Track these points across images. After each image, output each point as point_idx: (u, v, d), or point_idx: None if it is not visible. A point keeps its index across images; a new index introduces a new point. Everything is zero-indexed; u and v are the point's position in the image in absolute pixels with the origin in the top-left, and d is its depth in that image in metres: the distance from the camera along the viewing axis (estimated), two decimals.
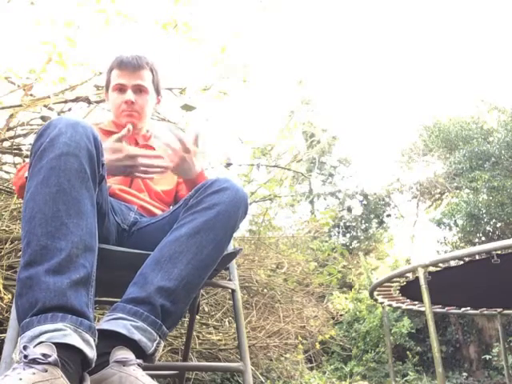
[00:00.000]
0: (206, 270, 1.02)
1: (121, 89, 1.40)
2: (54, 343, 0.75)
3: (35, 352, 0.72)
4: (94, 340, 0.82)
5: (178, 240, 1.00)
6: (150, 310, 0.92)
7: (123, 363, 0.82)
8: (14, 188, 1.24)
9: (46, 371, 0.70)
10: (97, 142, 0.95)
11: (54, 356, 0.72)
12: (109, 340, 0.88)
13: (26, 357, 0.72)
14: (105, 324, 0.90)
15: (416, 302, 3.95)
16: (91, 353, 0.80)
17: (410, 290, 3.31)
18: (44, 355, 0.71)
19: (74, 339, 0.77)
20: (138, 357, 0.87)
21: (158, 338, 0.92)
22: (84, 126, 0.94)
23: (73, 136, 0.91)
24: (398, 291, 3.53)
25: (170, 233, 1.03)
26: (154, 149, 1.48)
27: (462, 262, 2.67)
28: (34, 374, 0.69)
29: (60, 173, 0.88)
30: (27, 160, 1.33)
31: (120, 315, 0.91)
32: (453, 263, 2.72)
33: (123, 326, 0.89)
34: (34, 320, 0.78)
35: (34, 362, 0.71)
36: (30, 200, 0.88)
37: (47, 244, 0.83)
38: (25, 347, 0.73)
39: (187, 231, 1.00)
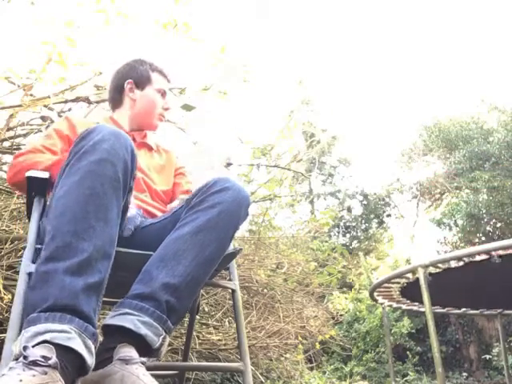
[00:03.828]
0: (209, 268, 1.03)
1: (163, 94, 1.50)
2: (56, 344, 0.76)
3: (35, 354, 0.72)
4: (95, 347, 0.83)
5: (182, 238, 1.01)
6: (156, 306, 0.93)
7: (126, 361, 0.83)
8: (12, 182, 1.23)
9: (46, 374, 0.71)
10: (133, 155, 0.99)
11: (54, 359, 0.73)
12: (115, 335, 0.89)
13: (25, 358, 0.72)
14: (111, 319, 0.91)
15: (416, 303, 3.95)
16: (90, 360, 0.80)
17: (411, 292, 3.30)
18: (44, 357, 0.72)
19: (77, 344, 0.78)
20: (144, 352, 0.88)
21: (164, 333, 0.93)
22: (125, 137, 0.97)
23: (114, 144, 0.94)
24: (398, 292, 3.52)
25: (174, 231, 1.04)
26: (150, 146, 1.50)
27: (462, 263, 2.67)
28: (33, 376, 0.70)
29: (96, 177, 0.90)
30: None
31: (126, 310, 0.92)
32: (453, 264, 2.72)
33: (130, 321, 0.90)
34: (41, 316, 0.79)
35: (34, 363, 0.71)
36: (62, 197, 0.90)
37: (71, 242, 0.85)
38: (25, 348, 0.73)
39: (190, 230, 1.02)
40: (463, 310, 4.15)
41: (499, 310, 4.20)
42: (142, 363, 0.84)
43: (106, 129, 0.96)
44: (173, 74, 1.58)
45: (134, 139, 1.46)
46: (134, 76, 1.48)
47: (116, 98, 1.50)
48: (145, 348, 0.90)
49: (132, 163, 0.98)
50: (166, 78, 1.53)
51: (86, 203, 0.88)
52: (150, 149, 1.50)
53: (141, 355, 0.87)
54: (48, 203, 1.15)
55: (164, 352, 0.96)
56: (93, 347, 0.81)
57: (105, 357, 0.86)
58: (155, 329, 0.91)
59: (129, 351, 0.85)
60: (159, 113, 1.49)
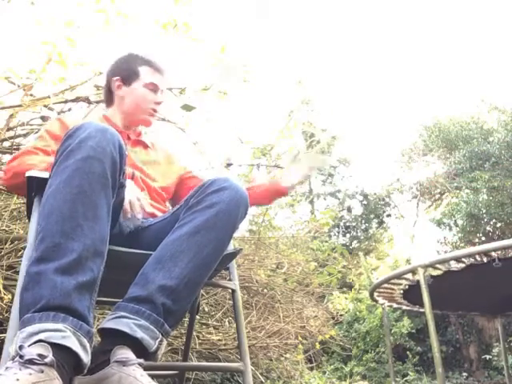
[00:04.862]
0: (207, 269, 1.02)
1: (153, 89, 1.43)
2: (51, 343, 0.75)
3: (31, 352, 0.72)
4: (91, 345, 0.82)
5: (179, 239, 1.00)
6: (152, 309, 0.92)
7: (123, 363, 0.82)
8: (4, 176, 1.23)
9: (42, 372, 0.71)
10: (122, 150, 0.97)
11: (50, 357, 0.73)
12: (111, 338, 0.89)
13: (21, 357, 0.72)
14: (107, 323, 0.91)
15: (417, 306, 3.94)
16: (86, 358, 0.80)
17: (411, 295, 3.29)
18: (40, 356, 0.72)
19: (71, 342, 0.78)
20: (140, 355, 0.88)
21: (161, 336, 0.93)
22: (112, 133, 0.96)
23: (101, 141, 0.93)
24: (400, 295, 3.51)
25: (172, 232, 1.04)
26: (145, 144, 1.49)
27: (462, 266, 2.66)
28: (30, 374, 0.70)
29: (83, 175, 0.90)
30: None
31: (122, 314, 0.91)
32: (453, 266, 2.71)
33: (126, 324, 0.89)
34: (35, 316, 0.78)
35: (31, 362, 0.71)
36: (50, 197, 0.89)
37: (60, 242, 0.84)
38: (20, 347, 0.73)
39: (188, 230, 1.01)
40: (463, 312, 4.14)
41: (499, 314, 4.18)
42: (140, 364, 0.84)
43: (93, 126, 0.95)
44: (170, 73, 1.54)
45: (128, 137, 1.45)
46: (121, 72, 1.44)
47: (107, 96, 1.48)
48: (141, 351, 0.89)
49: (121, 159, 0.97)
50: (157, 70, 1.45)
51: (74, 202, 0.88)
52: (146, 146, 1.49)
53: (138, 358, 0.86)
54: None
55: (161, 355, 0.95)
56: (88, 345, 0.81)
57: (101, 359, 0.85)
58: (151, 332, 0.90)
59: (125, 353, 0.85)
60: (150, 108, 1.43)
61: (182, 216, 1.06)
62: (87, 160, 0.90)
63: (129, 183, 1.18)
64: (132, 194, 1.19)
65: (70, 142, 0.93)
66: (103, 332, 0.91)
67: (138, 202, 1.20)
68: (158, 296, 0.93)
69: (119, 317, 0.91)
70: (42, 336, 0.76)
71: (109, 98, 1.47)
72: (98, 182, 0.91)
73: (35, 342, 0.75)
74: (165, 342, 0.95)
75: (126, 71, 1.43)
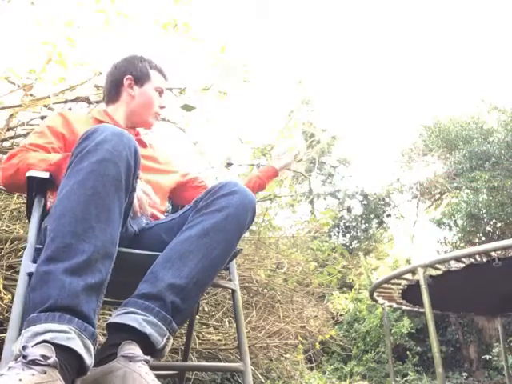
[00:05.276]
0: (214, 270, 1.04)
1: (160, 92, 1.49)
2: (55, 344, 0.75)
3: (35, 353, 0.72)
4: (94, 348, 0.83)
5: (188, 240, 1.02)
6: (161, 306, 0.93)
7: (130, 358, 0.83)
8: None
9: (45, 373, 0.70)
10: (137, 155, 0.98)
11: (54, 358, 0.73)
12: (119, 333, 0.89)
13: (25, 357, 0.72)
14: (116, 318, 0.92)
15: (417, 306, 3.94)
16: (89, 360, 0.80)
17: (411, 294, 3.29)
18: (43, 356, 0.72)
19: (76, 344, 0.78)
20: (147, 351, 0.88)
21: (168, 334, 0.94)
22: (128, 137, 0.97)
23: (117, 145, 0.94)
24: (399, 294, 3.50)
25: (180, 233, 1.05)
26: (143, 143, 1.49)
27: (462, 266, 2.66)
28: (33, 375, 0.69)
29: (98, 177, 0.90)
30: None
31: (131, 309, 0.92)
32: (453, 266, 2.71)
33: (134, 319, 0.90)
34: (41, 316, 0.79)
35: (34, 363, 0.71)
36: (64, 198, 0.90)
37: (71, 243, 0.85)
38: (24, 347, 0.73)
39: (197, 232, 1.03)
40: (463, 312, 4.14)
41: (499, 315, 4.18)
42: (146, 361, 0.84)
43: (109, 129, 0.96)
44: (170, 73, 1.57)
45: None
46: (133, 72, 1.45)
47: (112, 93, 1.46)
48: (149, 347, 0.90)
49: (135, 163, 0.98)
50: (164, 76, 1.52)
51: (88, 204, 0.88)
52: (144, 145, 1.49)
53: (144, 354, 0.86)
54: (50, 203, 1.15)
55: (167, 352, 0.96)
56: (92, 347, 0.81)
57: (108, 353, 0.86)
58: (160, 329, 0.91)
59: (133, 348, 0.85)
60: (155, 111, 1.47)
61: (191, 218, 1.07)
62: (102, 162, 0.91)
63: None
64: (138, 189, 1.18)
65: (86, 143, 0.94)
66: (111, 327, 0.92)
67: (145, 196, 1.20)
68: (167, 294, 0.94)
69: (128, 312, 0.91)
70: (47, 336, 0.76)
71: (113, 95, 1.46)
72: (112, 184, 0.92)
73: (40, 343, 0.75)
74: (171, 340, 0.96)
75: (139, 72, 1.45)
